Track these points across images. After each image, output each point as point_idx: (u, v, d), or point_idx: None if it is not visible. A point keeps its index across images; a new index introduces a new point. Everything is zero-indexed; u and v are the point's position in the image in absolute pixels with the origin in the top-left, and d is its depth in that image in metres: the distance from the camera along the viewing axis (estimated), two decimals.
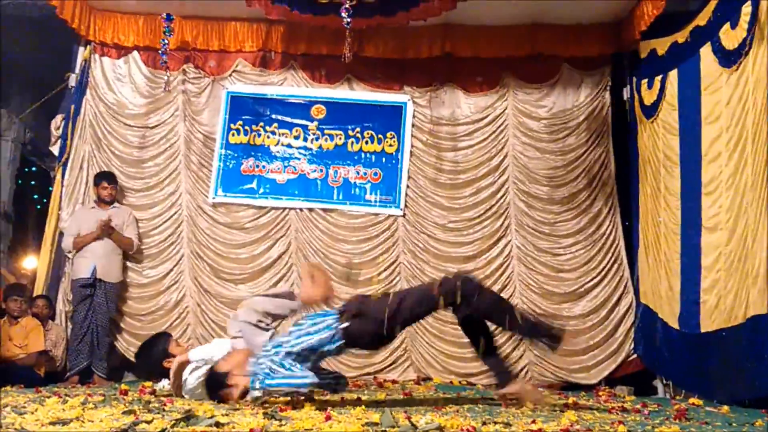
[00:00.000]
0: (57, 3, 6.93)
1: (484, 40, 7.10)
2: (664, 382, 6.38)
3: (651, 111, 6.33)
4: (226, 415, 3.26)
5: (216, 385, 4.05)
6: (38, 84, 8.40)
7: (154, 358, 4.75)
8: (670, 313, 5.93)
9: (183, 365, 4.47)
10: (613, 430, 3.20)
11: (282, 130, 7.25)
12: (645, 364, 6.58)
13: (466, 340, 6.59)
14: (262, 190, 7.15)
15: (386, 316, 3.83)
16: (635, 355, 6.68)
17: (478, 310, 4.14)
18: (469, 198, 7.06)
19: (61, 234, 6.92)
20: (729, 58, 4.96)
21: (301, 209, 7.11)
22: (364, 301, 4.04)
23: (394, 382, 6.46)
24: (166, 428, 2.76)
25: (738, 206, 4.88)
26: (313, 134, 7.23)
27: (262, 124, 7.26)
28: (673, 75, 5.93)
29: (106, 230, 6.58)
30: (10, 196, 10.36)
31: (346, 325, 3.80)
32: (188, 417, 3.02)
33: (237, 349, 4.19)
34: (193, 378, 4.39)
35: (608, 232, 6.94)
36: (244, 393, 3.89)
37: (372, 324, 3.87)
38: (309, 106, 7.29)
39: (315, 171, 7.16)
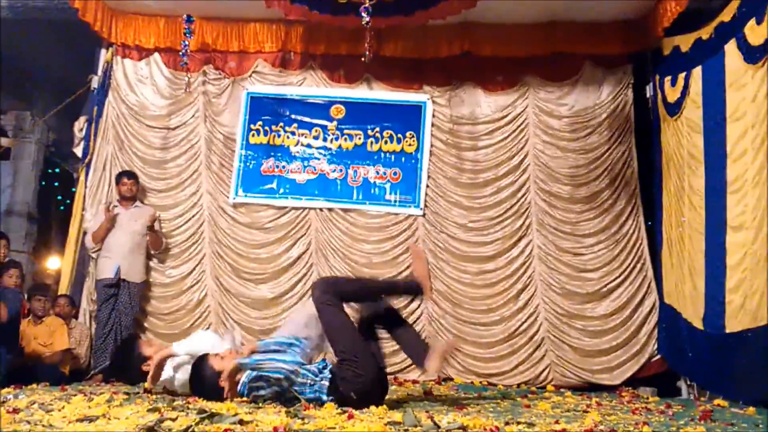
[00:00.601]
0: (79, 5, 6.99)
1: (503, 38, 7.04)
2: (688, 383, 6.29)
3: (674, 109, 6.26)
4: (250, 413, 3.26)
5: (202, 379, 4.05)
6: (61, 86, 8.48)
7: (134, 363, 4.72)
8: (694, 314, 5.86)
9: (165, 359, 4.49)
10: (638, 430, 3.18)
11: (301, 131, 7.26)
12: (669, 364, 6.51)
13: (486, 340, 6.70)
14: (282, 191, 7.16)
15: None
16: (659, 356, 6.61)
17: (350, 300, 4.16)
18: (489, 197, 7.02)
19: (85, 234, 6.99)
20: (754, 55, 4.90)
21: (321, 209, 7.11)
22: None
23: (414, 382, 6.44)
24: (190, 426, 2.76)
25: (764, 205, 4.80)
26: (333, 134, 7.23)
27: (281, 124, 7.27)
28: (697, 72, 5.86)
29: (113, 219, 6.66)
30: (34, 197, 10.49)
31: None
32: (212, 415, 3.02)
33: (230, 353, 4.17)
34: (182, 373, 4.40)
35: (631, 231, 6.87)
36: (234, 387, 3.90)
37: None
38: (328, 106, 7.29)
39: (334, 171, 7.16)
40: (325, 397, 3.72)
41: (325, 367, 3.86)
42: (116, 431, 2.65)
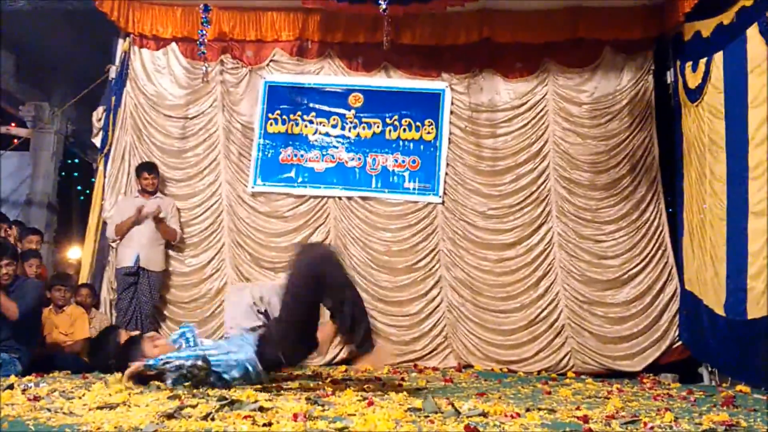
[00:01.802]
0: None
1: (523, 24, 7.00)
2: (710, 369, 6.26)
3: (696, 94, 6.20)
4: (270, 400, 3.28)
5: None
6: (80, 77, 8.51)
7: (108, 353, 4.71)
8: (715, 300, 5.81)
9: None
10: (660, 416, 3.17)
11: (320, 119, 7.25)
12: (690, 351, 6.47)
13: (507, 327, 6.69)
14: (300, 179, 7.16)
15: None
16: (680, 342, 6.57)
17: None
18: (509, 185, 6.98)
19: (105, 223, 7.03)
20: None
21: (339, 198, 7.11)
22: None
23: (434, 369, 6.45)
24: (211, 412, 2.78)
25: None
26: (351, 122, 7.22)
27: (299, 113, 7.26)
28: (719, 57, 5.79)
29: (143, 216, 6.66)
30: (53, 187, 10.56)
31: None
32: (232, 402, 3.04)
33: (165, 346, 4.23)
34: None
35: (652, 218, 6.82)
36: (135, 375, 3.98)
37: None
38: (346, 95, 7.28)
39: (353, 159, 7.15)
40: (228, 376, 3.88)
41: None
42: (137, 419, 2.66)
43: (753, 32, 5.19)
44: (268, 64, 7.37)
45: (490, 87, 7.15)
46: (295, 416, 2.75)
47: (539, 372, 6.52)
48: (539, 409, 3.35)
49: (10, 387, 3.80)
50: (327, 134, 7.21)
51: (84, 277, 7.06)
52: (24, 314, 5.09)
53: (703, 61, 6.05)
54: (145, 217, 6.67)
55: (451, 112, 7.12)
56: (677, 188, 6.76)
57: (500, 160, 7.03)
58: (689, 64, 6.34)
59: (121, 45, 7.52)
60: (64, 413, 2.84)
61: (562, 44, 7.06)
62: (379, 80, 7.29)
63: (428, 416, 2.97)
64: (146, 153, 7.25)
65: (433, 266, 6.91)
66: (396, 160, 7.06)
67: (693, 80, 6.26)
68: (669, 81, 6.97)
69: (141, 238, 6.69)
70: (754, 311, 5.16)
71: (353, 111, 7.22)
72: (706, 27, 6.03)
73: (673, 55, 6.84)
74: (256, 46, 7.41)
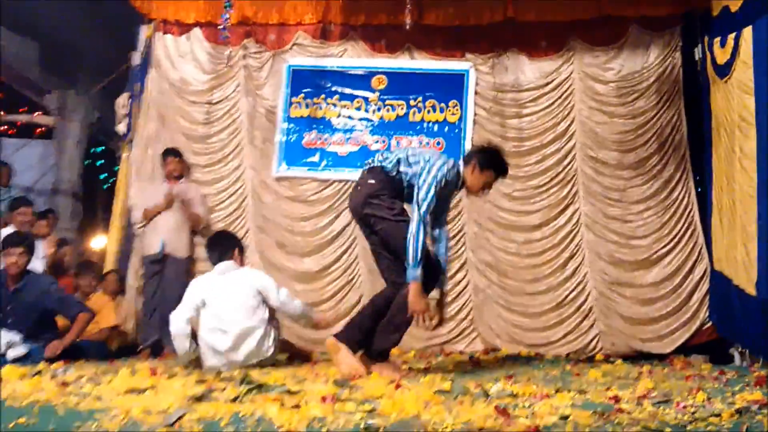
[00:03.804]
0: None
1: (548, 2, 6.90)
2: (741, 350, 6.17)
3: (724, 70, 6.08)
4: (298, 383, 3.28)
5: None
6: (103, 64, 8.57)
7: None
8: (746, 280, 5.72)
9: None
10: (692, 396, 3.13)
11: (343, 102, 7.22)
12: (720, 332, 6.39)
13: (534, 310, 6.65)
14: (324, 163, 7.14)
15: None
16: (710, 323, 6.50)
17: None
18: (534, 165, 6.91)
19: (130, 211, 7.07)
20: None
21: None
22: None
23: (461, 353, 6.43)
24: (239, 395, 2.79)
25: None
26: (375, 105, 7.18)
27: (323, 96, 7.23)
28: (748, 32, 5.66)
29: (172, 202, 6.68)
30: (78, 175, 10.63)
31: None
32: (260, 385, 3.04)
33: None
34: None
35: (681, 197, 6.72)
36: None
37: None
38: (370, 77, 7.23)
39: (377, 142, 7.12)
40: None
41: None
42: (165, 402, 2.67)
43: None
44: (291, 48, 7.34)
45: (514, 67, 7.07)
46: (324, 399, 2.75)
47: (567, 355, 6.48)
48: (569, 390, 3.32)
49: (38, 373, 3.83)
50: (350, 117, 7.19)
51: (109, 265, 7.12)
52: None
53: (731, 36, 5.92)
54: (172, 201, 6.68)
55: (476, 93, 7.05)
56: (706, 167, 6.65)
57: (526, 140, 6.95)
58: (717, 39, 6.21)
59: (144, 31, 7.54)
60: (92, 398, 2.86)
61: (587, 22, 6.95)
62: (402, 62, 7.24)
63: (457, 398, 2.95)
64: (170, 139, 7.24)
65: (459, 249, 6.87)
66: (420, 142, 7.02)
67: (722, 56, 6.14)
68: (697, 57, 6.83)
69: (166, 224, 6.70)
70: None
71: (377, 93, 7.18)
72: (735, 2, 5.91)
73: (701, 32, 6.68)
74: (278, 30, 7.37)
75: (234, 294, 4.81)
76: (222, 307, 4.74)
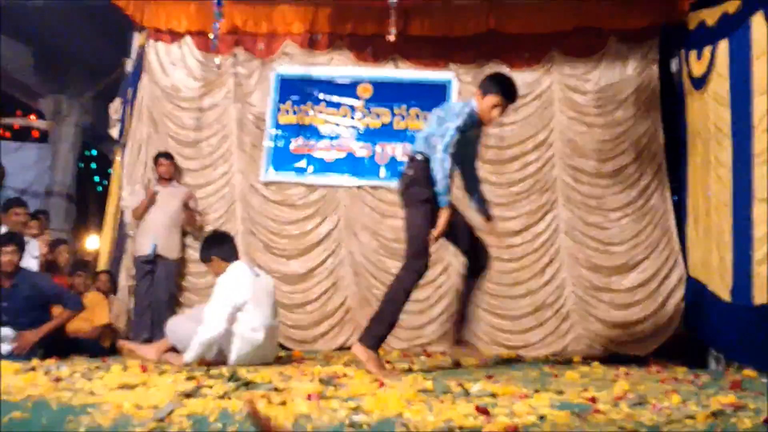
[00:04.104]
0: None
1: (529, 15, 7.07)
2: (716, 354, 6.30)
3: (700, 82, 6.26)
4: (284, 381, 3.39)
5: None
6: (97, 70, 8.66)
7: None
8: (721, 286, 5.88)
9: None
10: (668, 399, 3.17)
11: (330, 110, 7.37)
12: (696, 337, 6.53)
13: (513, 312, 6.76)
14: (311, 169, 7.28)
15: None
16: (686, 329, 6.65)
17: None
18: (515, 173, 7.06)
19: (123, 212, 7.20)
20: None
21: (349, 187, 7.23)
22: None
23: (443, 354, 6.53)
24: (227, 392, 2.90)
25: None
26: (360, 113, 7.33)
27: (310, 104, 7.38)
28: (723, 45, 5.85)
29: (154, 198, 6.84)
30: (72, 178, 10.71)
31: None
32: (248, 383, 3.17)
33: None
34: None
35: (657, 205, 6.87)
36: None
37: None
38: (355, 86, 7.38)
39: (362, 149, 7.26)
40: None
41: None
42: (156, 398, 2.76)
43: (758, 19, 5.27)
44: (279, 56, 7.49)
45: None
46: (309, 396, 2.85)
47: (546, 357, 6.62)
48: (547, 391, 3.39)
49: (32, 369, 3.91)
50: (337, 124, 7.33)
51: (102, 265, 7.23)
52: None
53: (707, 48, 6.10)
54: (154, 197, 6.85)
55: None
56: (682, 176, 6.82)
57: (506, 148, 7.10)
58: (694, 52, 6.40)
59: (137, 39, 7.67)
60: (85, 393, 2.94)
61: (567, 34, 7.12)
62: (387, 71, 7.39)
63: (438, 397, 3.04)
64: (162, 143, 7.37)
65: (441, 253, 7.00)
66: (404, 150, 7.16)
67: (698, 68, 6.32)
68: (673, 70, 7.02)
69: (158, 226, 6.84)
70: (760, 296, 5.24)
71: (362, 102, 7.33)
72: (711, 16, 6.09)
73: (678, 44, 6.87)
74: (267, 39, 7.51)
75: (269, 295, 5.05)
76: (262, 308, 4.90)
